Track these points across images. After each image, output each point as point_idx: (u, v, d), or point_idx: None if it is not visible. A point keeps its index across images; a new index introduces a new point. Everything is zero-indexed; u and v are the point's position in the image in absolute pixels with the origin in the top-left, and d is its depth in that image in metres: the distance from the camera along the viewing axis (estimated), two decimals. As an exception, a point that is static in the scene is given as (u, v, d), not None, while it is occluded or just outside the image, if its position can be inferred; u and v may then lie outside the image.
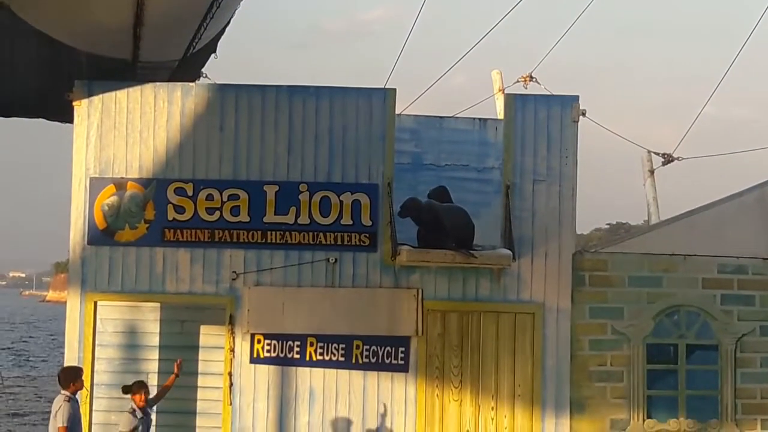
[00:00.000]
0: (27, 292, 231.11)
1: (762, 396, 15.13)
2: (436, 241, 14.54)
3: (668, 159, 21.88)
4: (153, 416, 13.76)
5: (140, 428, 12.88)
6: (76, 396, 12.97)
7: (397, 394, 14.79)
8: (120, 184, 14.82)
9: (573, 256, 15.05)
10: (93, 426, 14.50)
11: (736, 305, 15.15)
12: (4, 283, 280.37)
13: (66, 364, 14.31)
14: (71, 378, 12.94)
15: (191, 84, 15.42)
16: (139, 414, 12.95)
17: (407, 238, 14.71)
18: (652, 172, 22.55)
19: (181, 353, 14.78)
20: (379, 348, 14.76)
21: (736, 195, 16.50)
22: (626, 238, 16.65)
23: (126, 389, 13.34)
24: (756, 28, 18.33)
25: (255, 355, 14.74)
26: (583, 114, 15.24)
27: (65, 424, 12.54)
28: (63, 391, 12.82)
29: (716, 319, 15.09)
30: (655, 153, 22.31)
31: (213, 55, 17.14)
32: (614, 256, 15.36)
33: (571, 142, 15.14)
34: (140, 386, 13.31)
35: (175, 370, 13.85)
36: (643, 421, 14.92)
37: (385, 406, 14.74)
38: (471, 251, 14.48)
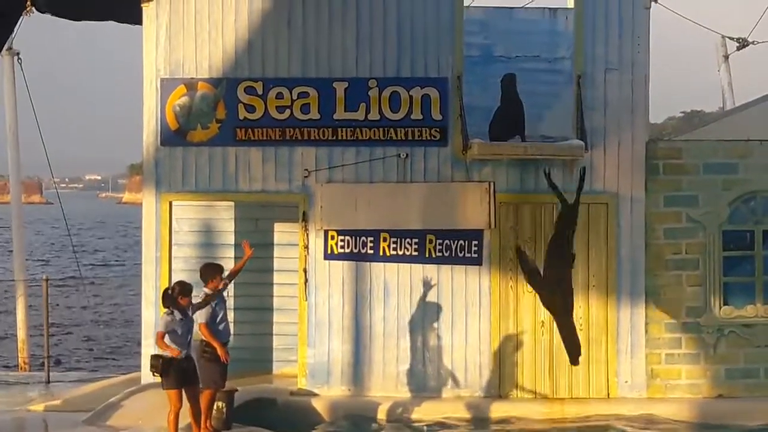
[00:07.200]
0: (104, 195, 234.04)
1: (840, 278, 14.99)
2: (505, 131, 14.49)
3: (743, 43, 21.53)
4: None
5: (179, 331, 12.27)
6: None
7: (471, 287, 14.85)
8: (190, 85, 14.87)
9: (646, 145, 14.89)
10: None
11: (813, 189, 14.93)
12: (81, 185, 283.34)
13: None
14: (209, 275, 12.84)
15: (258, -19, 15.36)
16: (178, 315, 12.33)
17: (478, 132, 14.64)
18: (726, 57, 22.23)
19: (256, 251, 14.83)
20: (452, 242, 14.79)
21: (814, 78, 16.20)
22: (700, 125, 16.46)
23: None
24: None
25: (329, 252, 14.85)
26: (655, 0, 14.97)
27: (203, 321, 12.57)
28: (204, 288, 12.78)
29: (793, 205, 14.92)
30: (729, 38, 21.97)
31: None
32: (688, 144, 15.21)
33: (643, 29, 14.89)
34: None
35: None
36: (720, 307, 14.87)
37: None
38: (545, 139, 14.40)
